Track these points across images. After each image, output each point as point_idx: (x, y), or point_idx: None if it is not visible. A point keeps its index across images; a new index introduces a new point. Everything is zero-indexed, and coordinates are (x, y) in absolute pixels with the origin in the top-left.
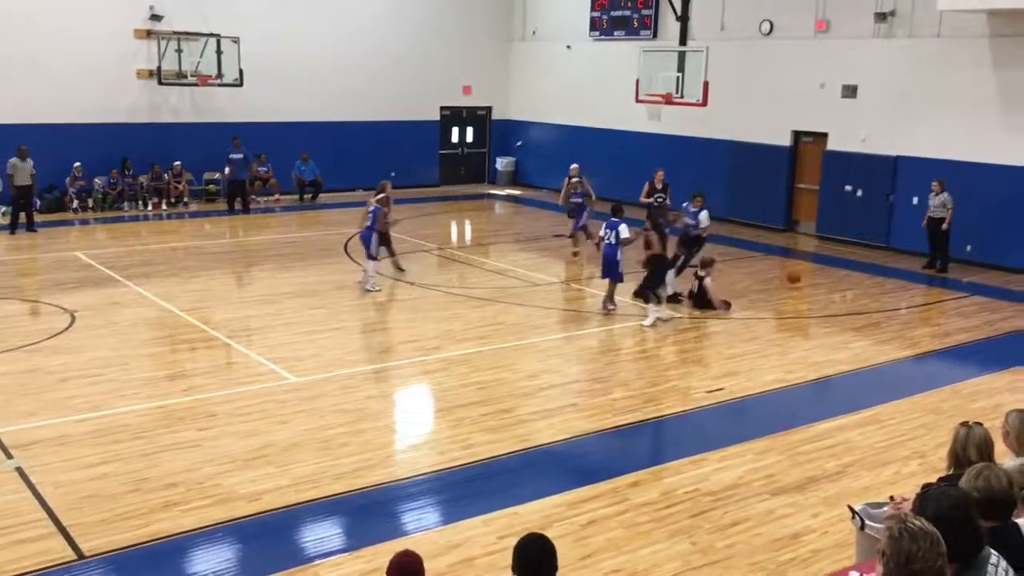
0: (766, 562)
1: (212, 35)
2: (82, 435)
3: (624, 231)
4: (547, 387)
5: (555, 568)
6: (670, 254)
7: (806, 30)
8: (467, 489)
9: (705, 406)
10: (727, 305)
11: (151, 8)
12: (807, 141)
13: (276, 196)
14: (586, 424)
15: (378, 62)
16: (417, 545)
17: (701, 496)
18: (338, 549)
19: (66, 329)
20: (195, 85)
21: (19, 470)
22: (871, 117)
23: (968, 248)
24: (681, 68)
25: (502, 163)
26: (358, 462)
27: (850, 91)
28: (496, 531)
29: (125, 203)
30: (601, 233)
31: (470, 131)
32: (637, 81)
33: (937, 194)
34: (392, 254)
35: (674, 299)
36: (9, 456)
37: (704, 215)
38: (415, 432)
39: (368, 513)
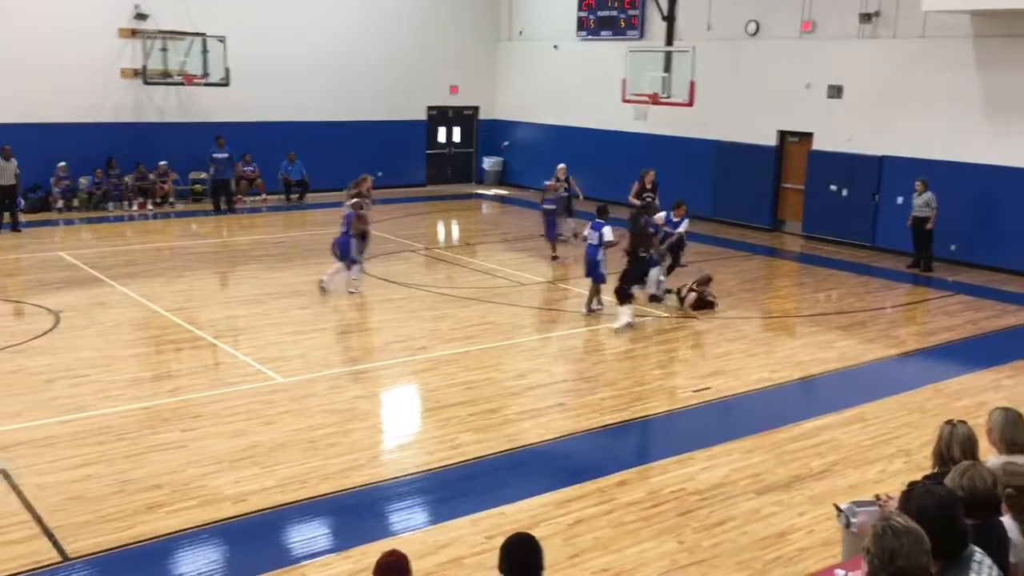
0: (752, 561)
1: (198, 34)
2: (67, 436)
3: (608, 233)
4: (534, 387)
5: (541, 567)
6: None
7: (792, 30)
8: (455, 489)
9: (692, 405)
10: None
11: (136, 7)
12: (793, 141)
13: (263, 196)
14: (573, 424)
15: (365, 62)
16: (405, 545)
17: (688, 495)
18: (325, 549)
19: (50, 330)
20: (181, 84)
21: (3, 472)
22: (856, 117)
23: (952, 247)
24: (668, 68)
25: (489, 163)
26: (345, 462)
27: (835, 91)
28: (484, 531)
29: (110, 203)
30: (585, 233)
31: (457, 131)
32: (624, 81)
33: (920, 193)
34: (360, 252)
35: (656, 300)
36: None
37: (686, 223)
38: (403, 432)
39: (356, 513)
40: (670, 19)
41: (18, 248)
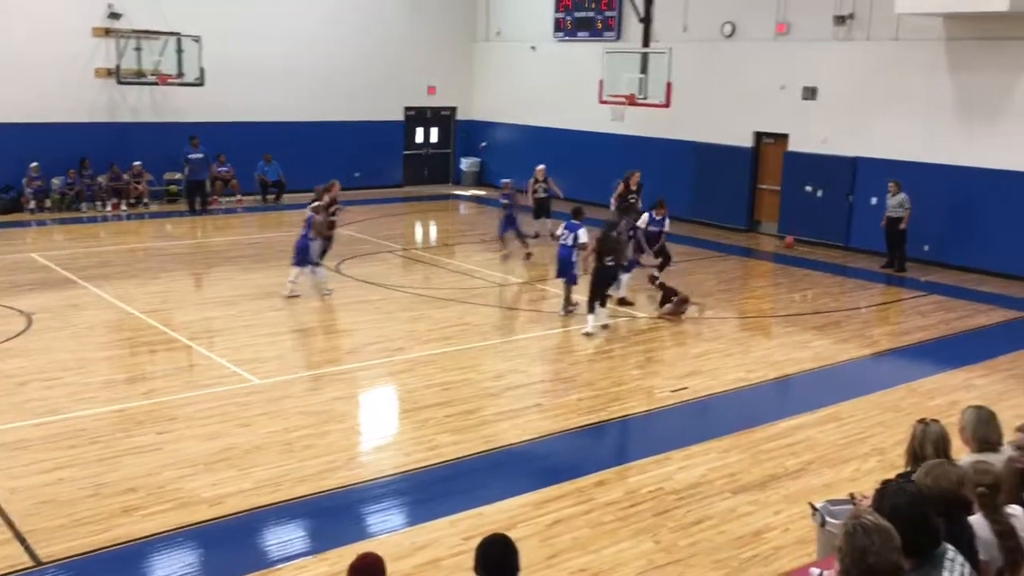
0: (728, 560)
1: (172, 34)
2: (39, 439)
3: (583, 235)
4: (512, 387)
5: (517, 568)
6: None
7: (767, 32)
8: (432, 490)
9: (669, 405)
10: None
11: (110, 6)
12: (768, 142)
13: (238, 197)
14: (551, 424)
15: (342, 62)
16: (383, 547)
17: (665, 495)
18: (302, 552)
19: (23, 332)
20: (155, 84)
21: None
22: (831, 118)
23: (926, 248)
24: (644, 69)
25: (466, 163)
26: (322, 464)
27: (810, 93)
28: (462, 532)
29: (83, 204)
30: (558, 232)
31: (434, 131)
32: (601, 82)
33: (894, 194)
34: (321, 255)
35: (626, 303)
36: None
37: (667, 222)
38: (380, 433)
39: (333, 515)
40: (646, 20)
41: None
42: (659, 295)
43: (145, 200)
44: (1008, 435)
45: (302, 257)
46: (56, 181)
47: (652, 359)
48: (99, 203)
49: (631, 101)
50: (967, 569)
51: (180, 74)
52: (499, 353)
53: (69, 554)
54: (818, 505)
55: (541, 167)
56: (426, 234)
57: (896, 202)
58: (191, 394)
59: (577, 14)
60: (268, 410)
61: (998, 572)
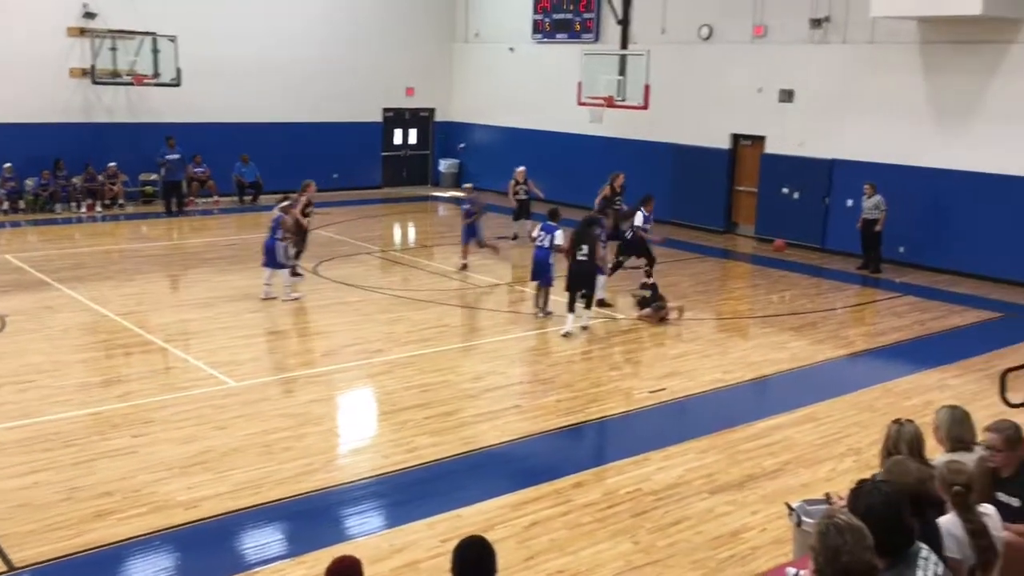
0: (706, 560)
1: (148, 34)
2: (13, 443)
3: (559, 237)
4: (491, 389)
5: (494, 570)
6: (610, 259)
7: (744, 35)
8: (410, 492)
9: (647, 406)
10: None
11: (84, 6)
12: (746, 144)
13: (215, 198)
14: (530, 425)
15: (320, 63)
16: (360, 550)
17: (643, 496)
18: (279, 555)
19: None
20: (130, 84)
21: None
22: (807, 121)
23: (901, 249)
24: (622, 71)
25: (445, 165)
26: (300, 467)
27: (787, 95)
28: (440, 534)
29: (57, 205)
30: (535, 234)
31: (413, 133)
32: (579, 84)
33: (870, 196)
34: (296, 256)
35: (604, 305)
36: None
37: (651, 219)
38: (358, 436)
39: (310, 518)
40: (624, 23)
41: None
42: (638, 296)
43: (120, 201)
44: (980, 435)
45: (271, 258)
46: (30, 182)
47: (630, 360)
48: (73, 204)
49: (609, 103)
50: (941, 568)
51: (156, 74)
52: (478, 355)
53: (43, 559)
54: (794, 505)
55: (521, 169)
56: (404, 235)
57: (872, 204)
58: (167, 397)
59: (555, 16)
60: (245, 413)
61: (971, 571)
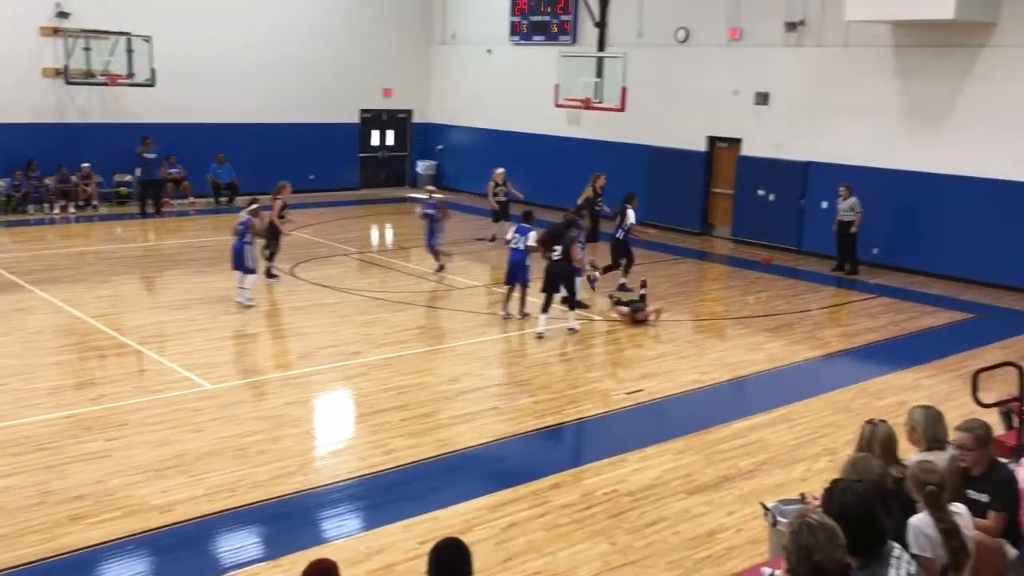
0: (683, 560)
1: (122, 33)
2: None
3: (532, 238)
4: (468, 391)
5: (470, 572)
6: (589, 260)
7: (720, 38)
8: (387, 495)
9: (625, 407)
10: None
11: (57, 5)
12: (722, 147)
13: (190, 199)
14: (507, 427)
15: (297, 63)
16: (337, 552)
17: (620, 497)
18: (255, 559)
19: None
20: (104, 85)
21: None
22: (782, 123)
23: (875, 251)
24: (600, 73)
25: (423, 166)
26: (276, 470)
27: (762, 98)
28: (417, 536)
29: (30, 206)
30: (508, 237)
31: (391, 134)
32: (556, 86)
33: (845, 198)
34: (271, 258)
35: (581, 307)
36: None
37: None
38: (335, 438)
39: (287, 521)
40: (602, 25)
41: None
42: (615, 297)
43: (94, 202)
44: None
45: (239, 261)
46: (2, 183)
47: (607, 362)
48: (47, 205)
49: (587, 105)
50: (913, 566)
51: (130, 74)
52: (455, 356)
53: (15, 563)
54: (770, 505)
55: (500, 170)
56: (382, 237)
57: (847, 206)
58: (141, 399)
59: (533, 18)
60: (221, 415)
61: (943, 570)
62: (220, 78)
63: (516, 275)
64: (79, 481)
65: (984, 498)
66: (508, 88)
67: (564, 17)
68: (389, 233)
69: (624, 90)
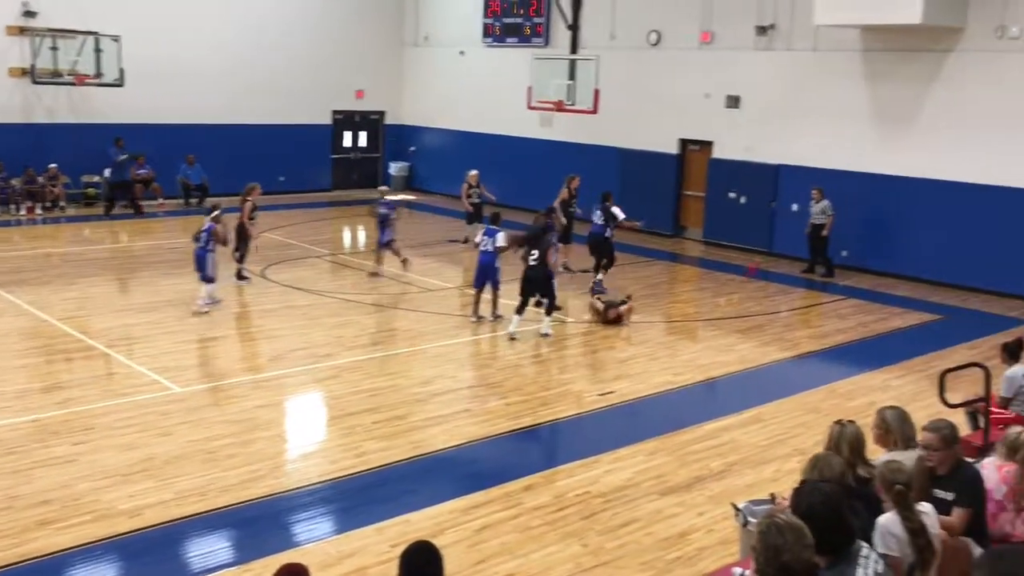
0: (655, 561)
1: (90, 33)
2: None
3: (501, 239)
4: (440, 393)
5: (441, 575)
6: (562, 262)
7: (691, 41)
8: (359, 498)
9: (597, 409)
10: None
11: (24, 4)
12: (694, 149)
13: (159, 200)
14: (479, 429)
15: (268, 64)
16: (309, 556)
17: (592, 498)
18: (226, 563)
19: None
20: (72, 85)
21: None
22: (753, 126)
23: (844, 253)
24: (572, 76)
25: (395, 168)
26: (246, 473)
27: (733, 101)
28: (389, 539)
29: None
30: (477, 239)
31: (363, 135)
32: (529, 88)
33: (817, 201)
34: (241, 260)
35: (556, 309)
36: None
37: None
38: (305, 441)
39: (257, 525)
40: (574, 28)
41: None
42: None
43: (61, 203)
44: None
45: (200, 267)
46: None
47: (580, 363)
48: (12, 207)
49: (559, 107)
50: (880, 565)
51: (99, 74)
52: (427, 359)
53: None
54: (740, 506)
55: (474, 172)
56: (354, 239)
57: (819, 209)
58: (109, 403)
59: (506, 20)
60: (190, 419)
61: (910, 569)
62: (190, 78)
63: (486, 277)
64: (46, 485)
65: (950, 496)
66: (481, 90)
67: (537, 20)
68: (361, 235)
69: (597, 92)
